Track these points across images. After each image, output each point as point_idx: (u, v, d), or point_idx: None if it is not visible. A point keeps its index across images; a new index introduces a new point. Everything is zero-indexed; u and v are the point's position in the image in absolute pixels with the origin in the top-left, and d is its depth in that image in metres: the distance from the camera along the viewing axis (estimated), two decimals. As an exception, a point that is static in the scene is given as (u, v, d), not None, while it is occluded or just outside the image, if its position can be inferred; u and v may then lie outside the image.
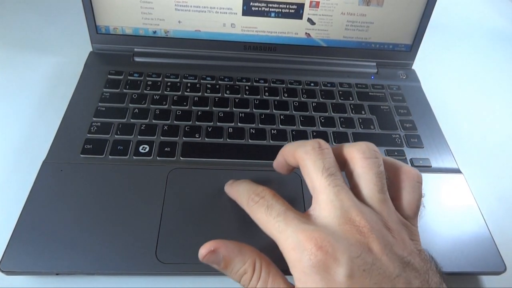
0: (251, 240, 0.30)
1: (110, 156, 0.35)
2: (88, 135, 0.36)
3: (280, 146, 0.37)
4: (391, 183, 0.25)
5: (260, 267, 0.22)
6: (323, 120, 0.41)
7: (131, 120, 0.38)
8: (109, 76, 0.42)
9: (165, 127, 0.38)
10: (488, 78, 0.54)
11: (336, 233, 0.21)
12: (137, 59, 0.45)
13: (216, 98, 0.41)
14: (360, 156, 0.24)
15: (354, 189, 0.24)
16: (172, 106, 0.40)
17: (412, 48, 0.47)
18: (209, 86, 0.43)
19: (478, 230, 0.33)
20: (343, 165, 0.25)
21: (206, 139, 0.37)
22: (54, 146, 0.35)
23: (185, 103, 0.40)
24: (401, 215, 0.24)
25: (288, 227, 0.21)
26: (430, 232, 0.32)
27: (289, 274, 0.28)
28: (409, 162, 0.38)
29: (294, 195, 0.33)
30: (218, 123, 0.39)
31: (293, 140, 0.38)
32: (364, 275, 0.19)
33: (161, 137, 0.37)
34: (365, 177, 0.23)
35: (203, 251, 0.23)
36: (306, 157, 0.23)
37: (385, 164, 0.24)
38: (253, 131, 0.38)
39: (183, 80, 0.43)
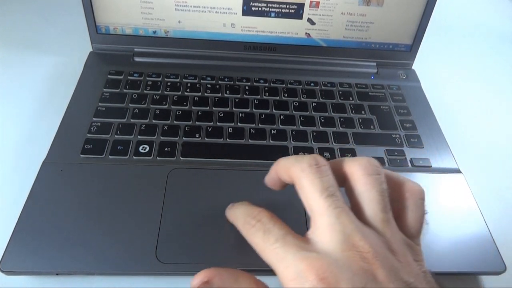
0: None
1: (110, 156, 0.35)
2: (88, 135, 0.36)
3: (280, 146, 0.38)
4: (393, 200, 0.23)
5: None
6: (323, 120, 0.41)
7: (131, 120, 0.38)
8: (109, 76, 0.42)
9: (165, 127, 0.38)
10: (488, 78, 0.54)
11: (339, 261, 0.19)
12: (137, 59, 0.45)
13: (216, 98, 0.41)
14: (362, 173, 0.22)
15: (355, 207, 0.22)
16: (172, 106, 0.40)
17: (412, 48, 0.47)
18: (209, 86, 0.43)
19: (478, 230, 0.33)
20: (342, 181, 0.23)
21: (206, 139, 0.37)
22: (54, 146, 0.35)
23: (185, 103, 0.40)
24: (404, 234, 0.23)
25: (287, 255, 0.20)
26: (430, 232, 0.32)
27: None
28: (409, 162, 0.38)
29: (294, 194, 0.33)
30: (218, 123, 0.39)
31: (293, 140, 0.38)
32: None
33: (161, 137, 0.37)
34: (368, 196, 0.22)
35: (195, 282, 0.22)
36: (302, 176, 0.22)
37: (387, 180, 0.23)
38: (253, 131, 0.38)
39: (183, 80, 0.43)
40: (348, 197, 0.23)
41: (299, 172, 0.22)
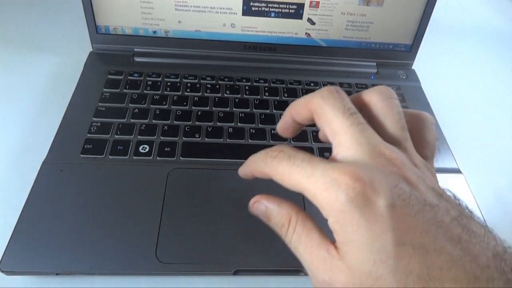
0: (251, 239, 0.30)
1: (110, 156, 0.35)
2: (88, 135, 0.36)
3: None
4: (407, 124, 0.24)
5: (296, 221, 0.21)
6: (323, 120, 0.41)
7: (131, 120, 0.38)
8: (109, 76, 0.42)
9: (165, 127, 0.38)
10: (488, 78, 0.54)
11: (370, 165, 0.19)
12: (137, 59, 0.45)
13: (216, 98, 0.41)
14: (380, 98, 0.23)
15: (375, 128, 0.22)
16: (172, 106, 0.40)
17: (412, 48, 0.47)
18: (209, 86, 0.43)
19: (478, 230, 0.33)
20: (360, 109, 0.23)
21: (206, 139, 0.37)
22: (54, 146, 0.35)
23: (185, 103, 0.40)
24: (420, 154, 0.23)
25: (316, 170, 0.20)
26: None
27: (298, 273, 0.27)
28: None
29: (294, 194, 0.33)
30: (218, 123, 0.39)
31: (293, 140, 0.38)
32: (405, 205, 0.18)
33: (161, 137, 0.37)
34: (387, 116, 0.22)
35: (251, 201, 0.24)
36: (323, 102, 0.22)
37: None
38: (253, 131, 0.38)
39: (183, 80, 0.43)
40: (368, 121, 0.23)
41: (319, 100, 0.22)
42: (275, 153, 0.22)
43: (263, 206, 0.23)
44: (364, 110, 0.23)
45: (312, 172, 0.20)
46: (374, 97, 0.23)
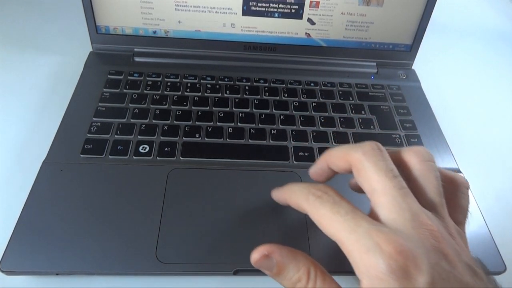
0: (251, 239, 0.30)
1: (110, 156, 0.35)
2: (88, 135, 0.36)
3: (281, 146, 0.38)
4: (443, 187, 0.24)
5: (315, 276, 0.21)
6: (323, 120, 0.41)
7: (131, 120, 0.38)
8: (109, 76, 0.42)
9: (165, 127, 0.38)
10: (488, 78, 0.54)
11: (412, 238, 0.19)
12: (137, 59, 0.45)
13: (216, 98, 0.41)
14: (419, 159, 0.23)
15: (413, 191, 0.22)
16: (172, 106, 0.40)
17: (412, 48, 0.47)
18: (209, 86, 0.43)
19: (478, 230, 0.33)
20: (397, 167, 0.23)
21: (206, 139, 0.37)
22: (54, 146, 0.35)
23: (185, 103, 0.40)
24: (453, 219, 0.23)
25: (359, 228, 0.20)
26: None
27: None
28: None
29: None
30: (218, 123, 0.39)
31: (293, 140, 0.38)
32: (444, 284, 0.18)
33: (161, 137, 0.37)
34: (426, 180, 0.23)
35: (256, 255, 0.22)
36: (364, 159, 0.22)
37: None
38: (253, 131, 0.38)
39: (183, 80, 0.43)
40: (405, 181, 0.23)
41: (361, 156, 0.22)
42: (319, 193, 0.22)
43: (273, 261, 0.22)
44: (402, 169, 0.23)
45: (355, 229, 0.20)
46: (413, 158, 0.23)
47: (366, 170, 0.22)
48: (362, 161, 0.22)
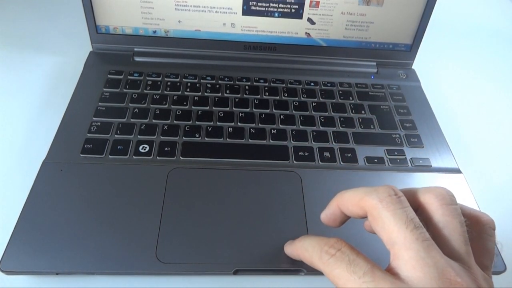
0: (251, 239, 0.30)
1: (110, 156, 0.35)
2: (88, 135, 0.36)
3: (281, 146, 0.38)
4: (467, 227, 0.22)
5: None
6: (323, 120, 0.41)
7: (131, 119, 0.38)
8: (109, 76, 0.42)
9: (165, 127, 0.38)
10: (488, 78, 0.54)
11: None
12: (137, 58, 0.45)
13: (216, 98, 0.41)
14: (440, 203, 0.21)
15: (436, 239, 0.21)
16: (172, 106, 0.40)
17: (412, 48, 0.47)
18: (209, 85, 0.43)
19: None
20: (415, 210, 0.22)
21: (206, 138, 0.37)
22: (54, 146, 0.35)
23: (185, 103, 0.40)
24: (478, 265, 0.21)
25: None
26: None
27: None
28: (409, 162, 0.38)
29: (294, 194, 0.33)
30: (218, 123, 0.39)
31: (293, 140, 0.38)
32: None
33: (161, 137, 0.37)
34: (449, 227, 0.21)
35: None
36: (381, 206, 0.20)
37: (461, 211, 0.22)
38: (253, 131, 0.38)
39: (183, 80, 0.43)
40: (425, 225, 0.21)
41: (377, 203, 0.21)
42: (333, 250, 0.21)
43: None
44: (421, 212, 0.22)
45: None
46: (434, 201, 0.22)
47: (384, 220, 0.20)
48: (379, 209, 0.21)
